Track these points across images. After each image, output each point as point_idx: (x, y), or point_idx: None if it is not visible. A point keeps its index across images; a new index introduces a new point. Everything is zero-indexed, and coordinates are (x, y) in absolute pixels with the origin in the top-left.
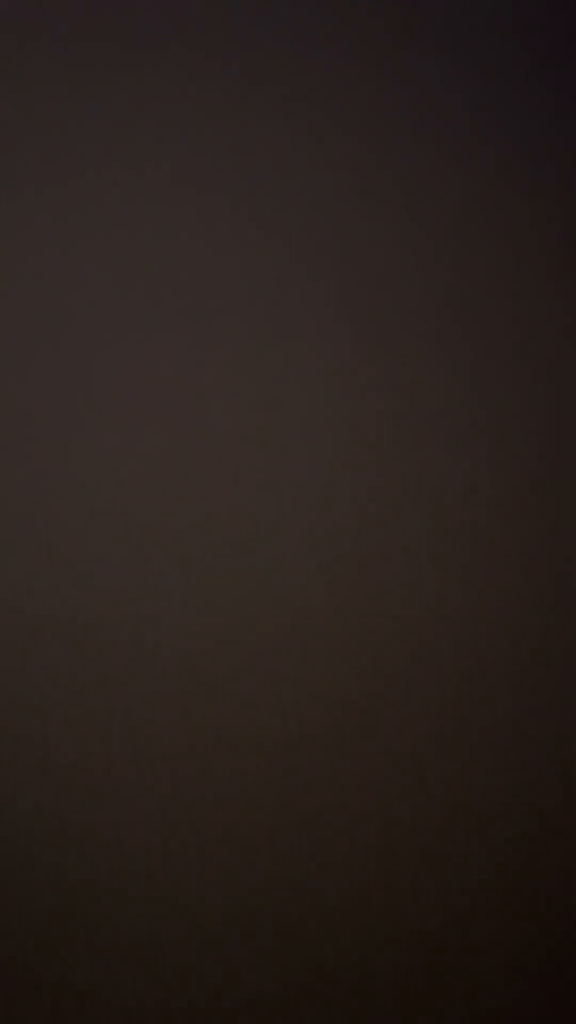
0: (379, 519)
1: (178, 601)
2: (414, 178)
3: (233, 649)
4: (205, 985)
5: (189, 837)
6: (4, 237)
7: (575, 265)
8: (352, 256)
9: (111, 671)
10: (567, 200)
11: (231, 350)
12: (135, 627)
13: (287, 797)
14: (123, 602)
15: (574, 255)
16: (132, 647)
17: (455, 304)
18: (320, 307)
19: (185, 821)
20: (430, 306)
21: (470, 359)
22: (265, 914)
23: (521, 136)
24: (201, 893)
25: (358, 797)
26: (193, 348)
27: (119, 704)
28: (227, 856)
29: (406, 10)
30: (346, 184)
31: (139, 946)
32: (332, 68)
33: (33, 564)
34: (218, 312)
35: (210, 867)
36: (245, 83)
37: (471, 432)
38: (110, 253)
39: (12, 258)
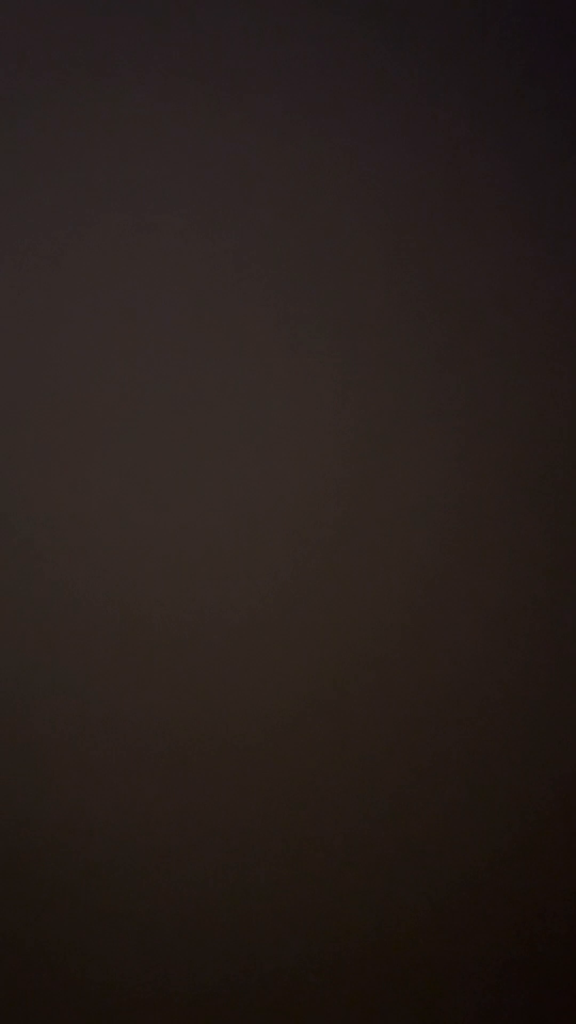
0: (374, 504)
1: (177, 588)
2: (411, 196)
3: (232, 636)
4: (203, 965)
5: (187, 818)
6: (7, 248)
7: (571, 281)
8: (348, 267)
9: (108, 656)
10: (566, 218)
11: (230, 353)
12: (131, 612)
13: (286, 777)
14: (120, 586)
15: (570, 271)
16: (130, 631)
17: (449, 313)
18: (317, 314)
19: (183, 801)
20: (424, 316)
21: (464, 363)
22: (263, 895)
23: (520, 155)
24: (199, 872)
25: (355, 774)
26: (192, 348)
27: (115, 692)
28: (225, 838)
29: (408, 42)
30: (342, 197)
31: (135, 922)
32: (331, 92)
33: (35, 550)
34: (216, 320)
35: (208, 847)
36: (245, 106)
37: (465, 432)
38: (111, 263)
39: (14, 268)
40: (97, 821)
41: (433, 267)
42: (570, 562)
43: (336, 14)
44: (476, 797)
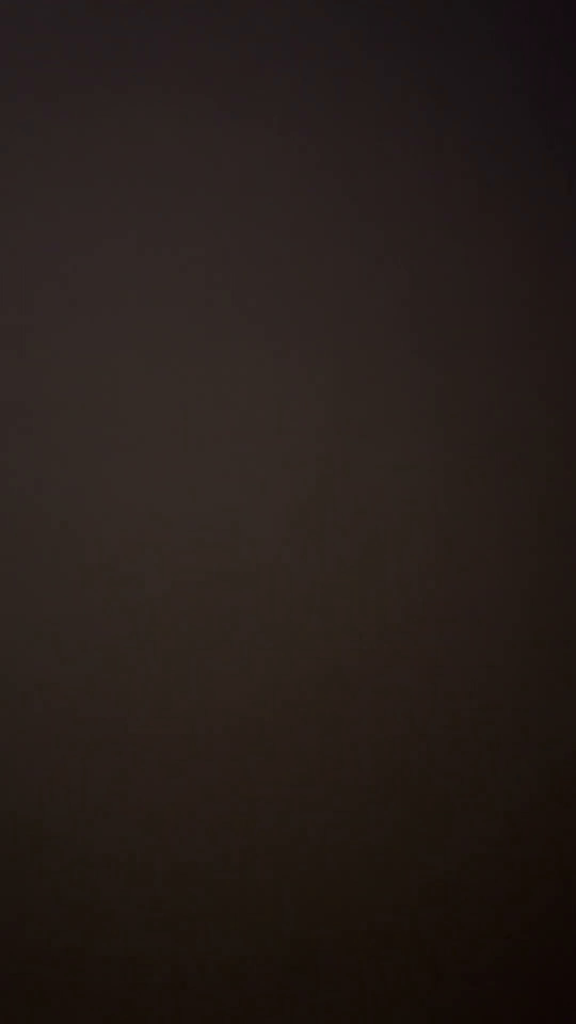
0: (370, 496)
1: (176, 585)
2: (407, 208)
3: (231, 623)
4: (203, 952)
5: (187, 800)
6: (11, 251)
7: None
8: (342, 276)
9: (107, 648)
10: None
11: (229, 351)
12: (131, 604)
13: (286, 759)
14: (119, 583)
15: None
16: (129, 618)
17: (442, 321)
18: (315, 314)
19: (183, 784)
20: (417, 324)
21: (452, 361)
22: (262, 880)
23: (518, 165)
24: (199, 856)
25: (356, 755)
26: (191, 347)
27: (115, 674)
28: (224, 820)
29: (411, 69)
30: (340, 209)
31: (134, 908)
32: (330, 108)
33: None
34: (216, 322)
35: (207, 829)
36: (245, 117)
37: (457, 423)
38: (113, 265)
39: (17, 270)
40: (96, 805)
41: (427, 280)
42: (563, 544)
43: (337, 32)
44: (477, 780)
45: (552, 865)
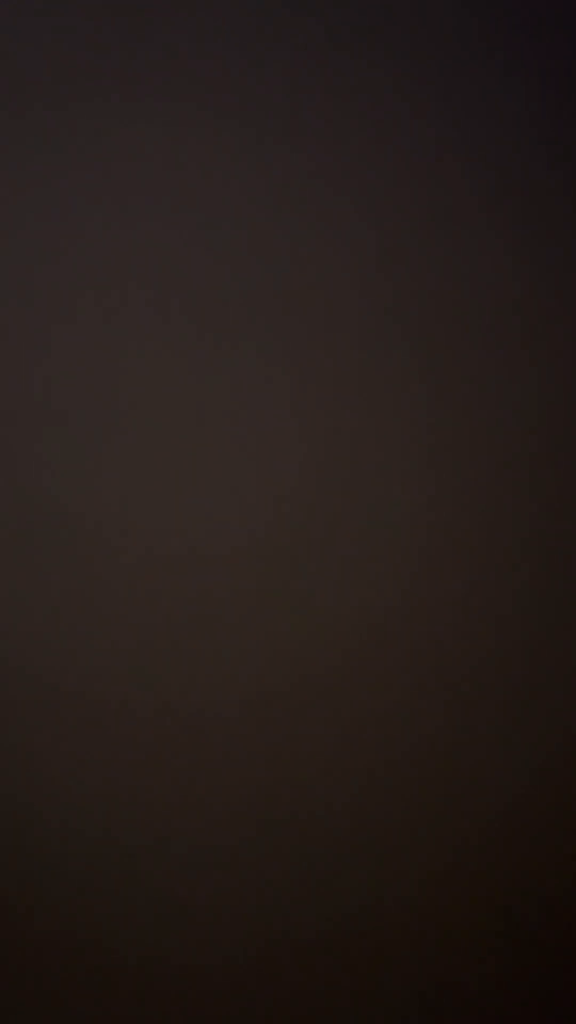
0: (370, 486)
1: (177, 581)
2: (403, 217)
3: (231, 626)
4: (202, 942)
5: (184, 789)
6: (11, 249)
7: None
8: (335, 283)
9: (106, 634)
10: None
11: (229, 357)
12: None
13: (283, 748)
14: (125, 570)
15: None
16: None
17: (447, 307)
18: (311, 319)
19: (180, 772)
20: (423, 314)
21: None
22: (261, 870)
23: (514, 176)
24: (196, 844)
25: (353, 745)
26: (193, 350)
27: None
28: (222, 806)
29: (413, 82)
30: (334, 218)
31: (131, 900)
32: (327, 116)
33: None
34: (216, 325)
35: (205, 815)
36: (240, 124)
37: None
38: (112, 268)
39: (17, 270)
40: (95, 789)
41: (424, 288)
42: (561, 537)
43: (336, 44)
44: (476, 769)
45: (553, 853)
